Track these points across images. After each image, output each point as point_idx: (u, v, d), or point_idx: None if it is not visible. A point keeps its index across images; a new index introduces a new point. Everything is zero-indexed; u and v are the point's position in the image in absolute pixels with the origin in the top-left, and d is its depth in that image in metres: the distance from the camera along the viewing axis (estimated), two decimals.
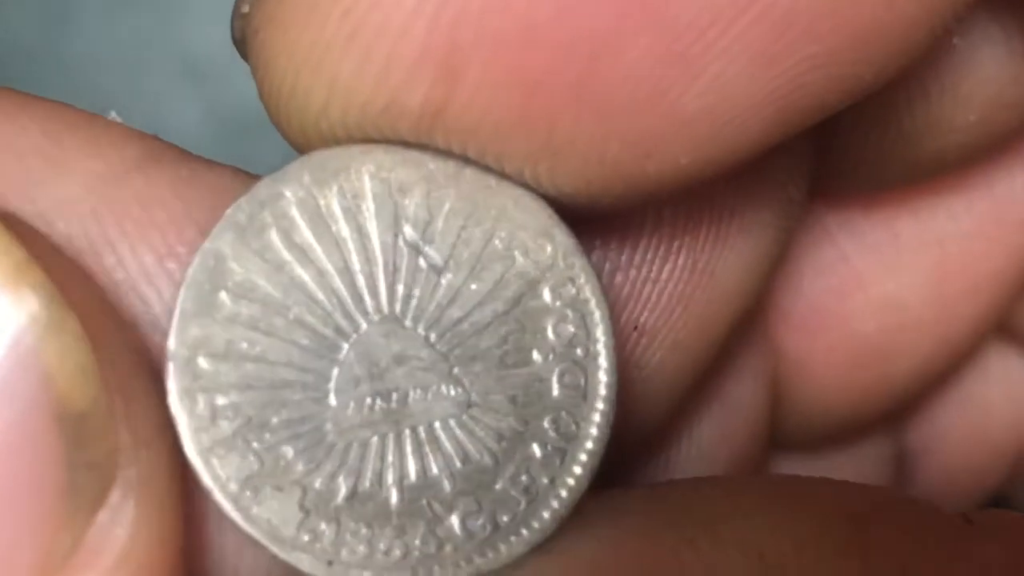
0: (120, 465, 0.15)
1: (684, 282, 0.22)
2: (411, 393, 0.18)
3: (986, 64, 0.23)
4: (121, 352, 0.16)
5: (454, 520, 0.18)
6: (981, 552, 0.17)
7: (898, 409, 0.29)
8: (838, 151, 0.24)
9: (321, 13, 0.16)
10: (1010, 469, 0.30)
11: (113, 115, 0.19)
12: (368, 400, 0.18)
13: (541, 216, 0.18)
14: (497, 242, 0.18)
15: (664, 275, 0.21)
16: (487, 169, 0.18)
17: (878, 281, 0.27)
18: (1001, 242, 0.26)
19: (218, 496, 0.17)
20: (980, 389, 0.30)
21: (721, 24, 0.16)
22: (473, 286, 0.18)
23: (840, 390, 0.27)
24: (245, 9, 0.18)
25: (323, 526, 0.17)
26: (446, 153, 0.18)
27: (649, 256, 0.21)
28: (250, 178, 0.18)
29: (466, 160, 0.18)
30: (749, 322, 0.25)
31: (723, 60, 0.16)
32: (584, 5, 0.15)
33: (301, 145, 0.18)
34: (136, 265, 0.17)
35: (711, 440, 0.26)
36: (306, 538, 0.17)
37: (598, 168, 0.17)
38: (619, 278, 0.21)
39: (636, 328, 0.21)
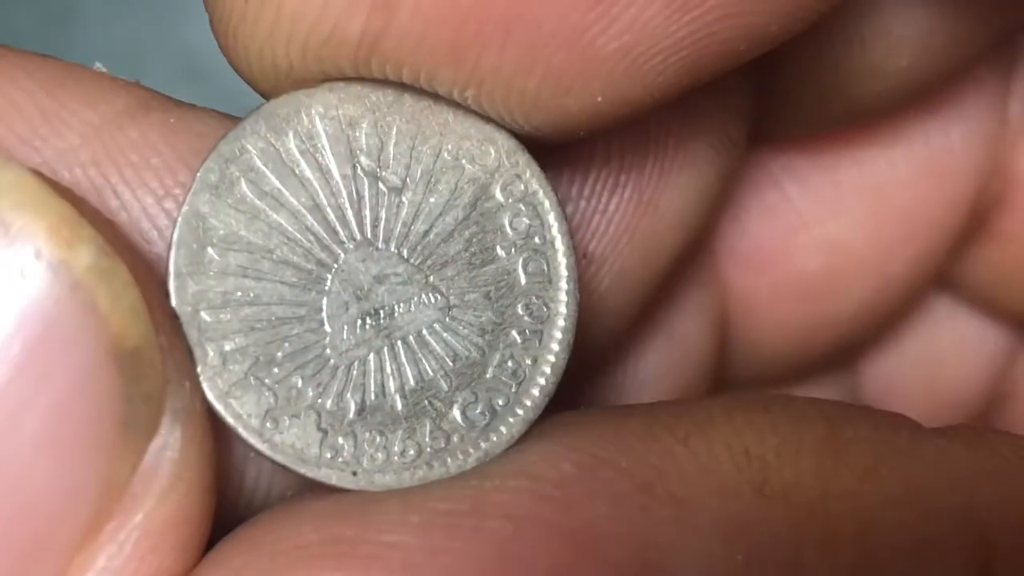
0: (167, 396, 0.17)
1: (630, 213, 0.23)
2: (396, 307, 0.19)
3: (916, 11, 0.24)
4: (155, 293, 0.17)
5: (456, 413, 0.19)
6: (945, 451, 0.18)
7: (844, 348, 0.30)
8: (778, 93, 0.25)
9: None
10: (962, 422, 0.30)
11: (98, 65, 0.20)
12: (359, 321, 0.19)
13: (480, 123, 0.19)
14: (446, 154, 0.19)
15: (612, 207, 0.22)
16: (424, 92, 0.19)
17: (819, 223, 0.27)
18: (937, 191, 0.27)
19: (242, 432, 0.18)
20: (930, 343, 0.30)
21: None
22: (432, 199, 0.19)
23: (785, 325, 0.28)
24: None
25: (341, 441, 0.19)
26: (385, 83, 0.19)
27: (598, 188, 0.22)
28: (231, 120, 0.19)
29: (404, 87, 0.19)
30: (694, 259, 0.26)
31: (639, 4, 0.17)
32: None
33: (251, 78, 0.19)
34: (138, 206, 0.19)
35: (656, 370, 0.27)
36: (329, 455, 0.19)
37: (520, 99, 0.18)
38: (569, 208, 0.22)
39: (585, 255, 0.22)
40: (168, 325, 0.17)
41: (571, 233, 0.20)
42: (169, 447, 0.17)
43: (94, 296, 0.16)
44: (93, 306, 0.16)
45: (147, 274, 0.17)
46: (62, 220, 0.16)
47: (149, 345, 0.16)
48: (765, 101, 0.25)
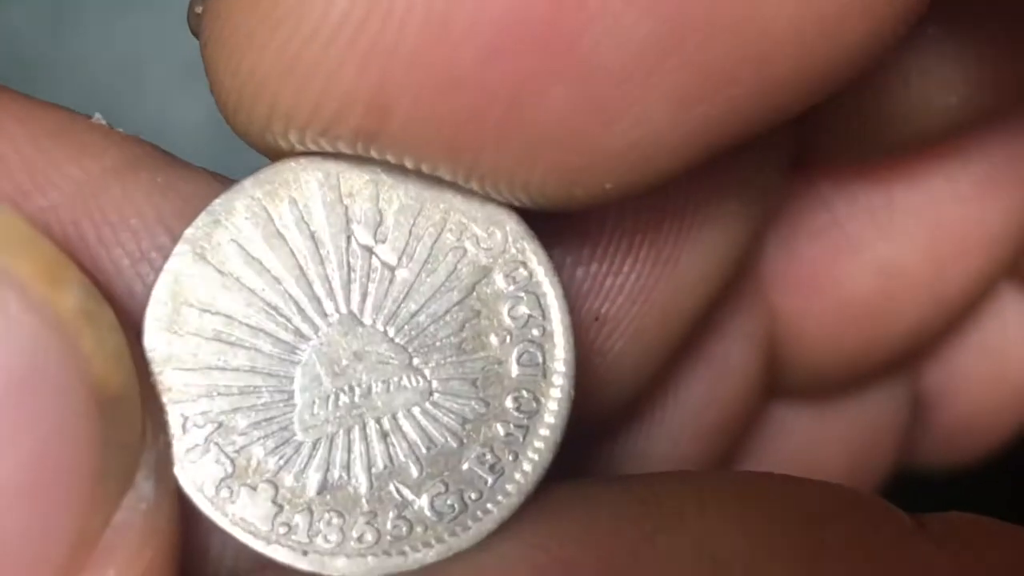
0: (144, 447, 0.16)
1: (647, 274, 0.22)
2: (373, 387, 0.18)
3: (963, 49, 0.23)
4: (135, 342, 0.17)
5: (423, 502, 0.18)
6: (928, 561, 0.17)
7: (898, 363, 0.29)
8: (822, 131, 0.25)
9: (259, 43, 0.17)
10: None
11: (97, 117, 0.19)
12: (332, 397, 0.18)
13: (489, 205, 0.19)
14: (448, 234, 0.19)
15: (626, 267, 0.22)
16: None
17: (871, 245, 0.27)
18: (997, 203, 0.27)
19: (195, 498, 0.18)
20: (996, 333, 0.30)
21: (639, 75, 0.16)
22: (427, 279, 0.19)
23: (838, 347, 0.28)
24: (198, 9, 0.18)
25: (296, 519, 0.18)
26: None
27: (611, 249, 0.22)
28: (222, 182, 0.19)
29: None
30: (740, 286, 0.26)
31: (641, 106, 0.17)
32: (505, 55, 0.16)
33: (254, 147, 0.19)
34: (112, 268, 0.19)
35: (699, 402, 0.26)
36: (281, 531, 0.18)
37: (524, 189, 0.18)
38: (580, 272, 0.22)
39: (597, 318, 0.22)
40: (146, 375, 0.17)
41: (573, 328, 0.19)
42: (143, 500, 0.16)
43: (78, 338, 0.15)
44: (76, 348, 0.15)
45: (127, 322, 0.17)
46: (49, 260, 0.16)
47: (130, 392, 0.16)
48: (809, 136, 0.24)
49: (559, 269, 0.19)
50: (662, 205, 0.22)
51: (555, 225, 0.20)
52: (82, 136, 0.19)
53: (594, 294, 0.22)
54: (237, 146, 0.18)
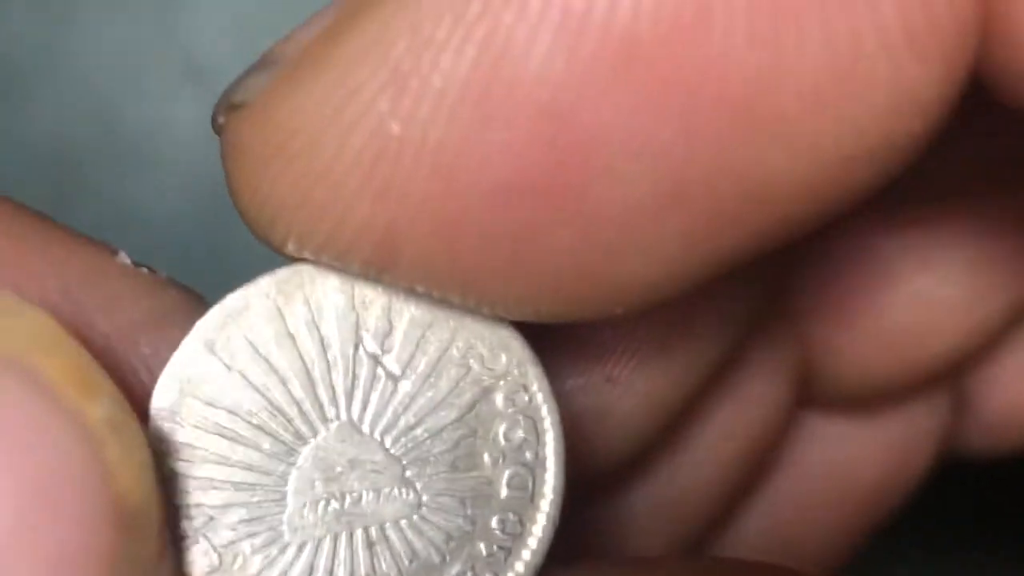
0: (161, 565, 0.16)
1: (661, 338, 0.23)
2: (364, 495, 0.19)
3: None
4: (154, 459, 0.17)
5: None
6: None
7: (938, 380, 0.29)
8: None
9: (273, 174, 0.18)
10: None
11: (122, 256, 0.20)
12: (323, 502, 0.19)
13: (499, 328, 0.19)
14: (454, 351, 0.19)
15: (641, 330, 0.23)
16: None
17: (910, 277, 0.27)
18: None
19: None
20: None
21: (644, 222, 0.17)
22: (429, 393, 0.19)
23: (873, 375, 0.28)
24: (220, 120, 0.19)
25: None
26: None
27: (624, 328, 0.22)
28: None
29: None
30: (769, 319, 0.26)
31: (647, 247, 0.17)
32: (509, 203, 0.17)
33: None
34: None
35: (722, 433, 0.26)
36: None
37: (535, 315, 0.19)
38: (596, 333, 0.22)
39: (609, 379, 0.23)
40: (168, 491, 0.18)
41: (565, 454, 0.19)
42: None
43: (104, 448, 0.15)
44: (102, 459, 0.15)
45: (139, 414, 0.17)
46: (80, 366, 0.16)
47: (151, 508, 0.16)
48: None
49: (552, 383, 0.20)
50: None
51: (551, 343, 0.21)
52: (112, 285, 0.19)
53: (607, 355, 0.22)
54: None
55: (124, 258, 0.20)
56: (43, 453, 0.15)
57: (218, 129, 0.19)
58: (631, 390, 0.23)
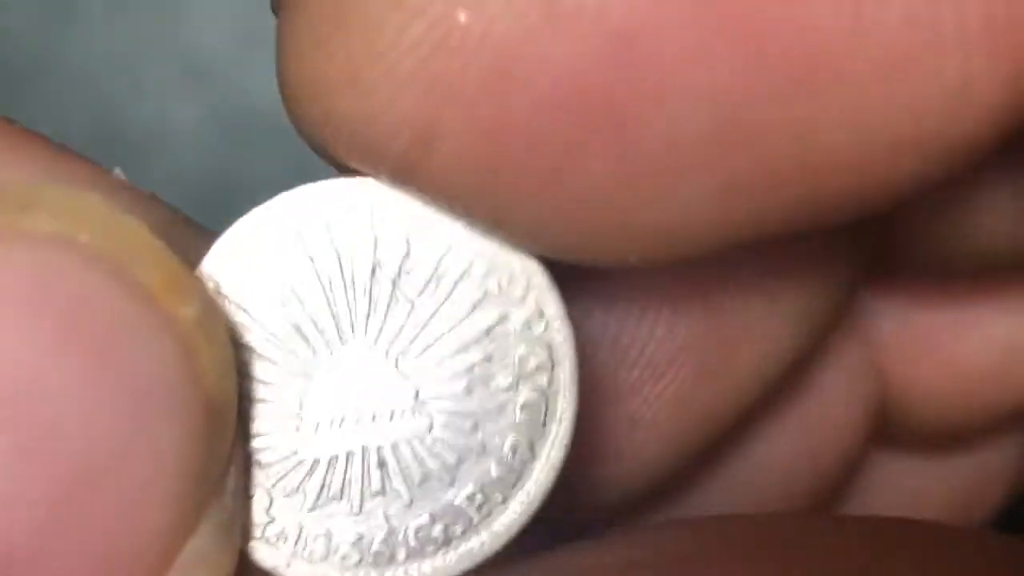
0: (232, 457, 0.17)
1: (689, 383, 0.22)
2: (376, 415, 0.19)
3: None
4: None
5: (409, 530, 0.19)
6: None
7: (1014, 423, 0.29)
8: (889, 249, 0.25)
9: (326, 49, 0.17)
10: None
11: (117, 172, 0.20)
12: (336, 420, 0.19)
13: (518, 256, 0.19)
14: (472, 276, 0.19)
15: (668, 375, 0.22)
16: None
17: (991, 320, 0.27)
18: None
19: None
20: None
21: (685, 167, 0.17)
22: (445, 316, 0.19)
23: (949, 415, 0.28)
24: None
25: (286, 528, 0.19)
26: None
27: (656, 358, 0.22)
28: None
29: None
30: (845, 350, 0.26)
31: (681, 195, 0.17)
32: (556, 114, 0.17)
33: (307, 143, 0.19)
34: None
35: (791, 461, 0.26)
36: (272, 538, 0.19)
37: (550, 247, 0.18)
38: (623, 374, 0.22)
39: (632, 420, 0.22)
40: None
41: (582, 382, 0.19)
42: (226, 509, 0.17)
43: (196, 350, 0.16)
44: (195, 361, 0.16)
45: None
46: (174, 271, 0.16)
47: (231, 405, 0.17)
48: (875, 254, 0.25)
49: (582, 323, 0.20)
50: (707, 317, 0.22)
51: (584, 281, 0.20)
52: (116, 196, 0.19)
53: (633, 396, 0.22)
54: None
55: (120, 174, 0.19)
56: (140, 354, 0.15)
57: (275, 6, 0.19)
58: (654, 434, 0.22)
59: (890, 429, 0.28)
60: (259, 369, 0.18)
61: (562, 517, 0.20)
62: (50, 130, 0.19)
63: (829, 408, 0.26)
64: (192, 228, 0.20)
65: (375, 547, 0.19)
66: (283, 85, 0.18)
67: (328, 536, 0.19)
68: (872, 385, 0.27)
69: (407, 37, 0.17)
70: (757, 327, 0.23)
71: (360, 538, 0.19)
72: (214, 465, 0.16)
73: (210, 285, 0.18)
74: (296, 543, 0.19)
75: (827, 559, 0.18)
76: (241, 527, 0.18)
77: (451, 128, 0.17)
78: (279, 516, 0.18)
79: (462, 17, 0.16)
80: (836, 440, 0.27)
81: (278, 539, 0.18)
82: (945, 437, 0.29)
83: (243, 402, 0.18)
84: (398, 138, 0.17)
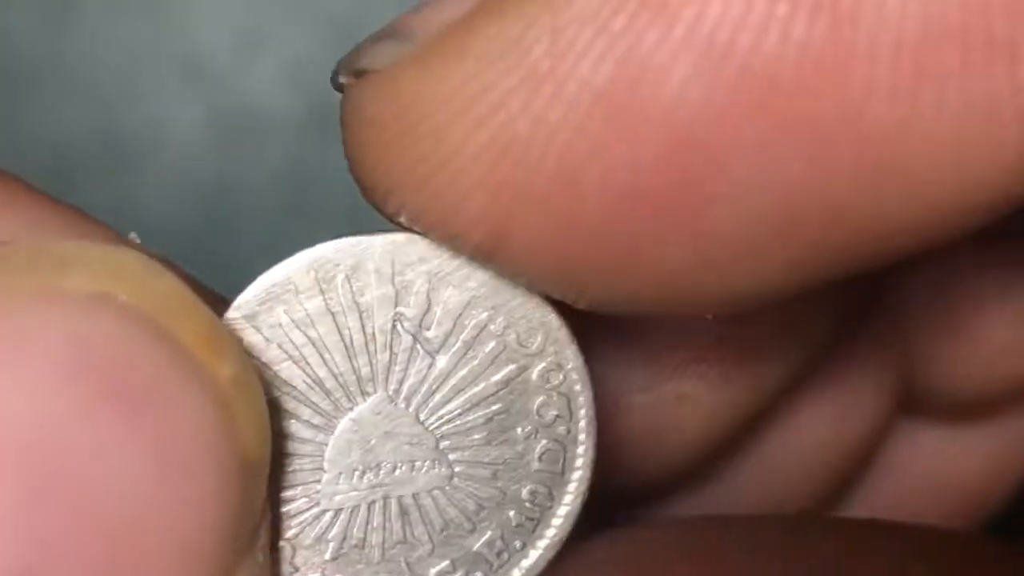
0: (265, 515, 0.17)
1: (731, 361, 0.23)
2: (398, 467, 0.19)
3: None
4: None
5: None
6: None
7: None
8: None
9: (395, 152, 0.18)
10: None
11: (133, 236, 0.20)
12: (358, 472, 0.19)
13: (537, 308, 0.19)
14: (492, 328, 0.19)
15: (711, 356, 0.23)
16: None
17: (1016, 294, 0.27)
18: None
19: None
20: None
21: (755, 248, 0.17)
22: (465, 369, 0.19)
23: (973, 386, 0.28)
24: (342, 79, 0.19)
25: None
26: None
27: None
28: None
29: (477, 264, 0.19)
30: (874, 327, 0.26)
31: (750, 270, 0.17)
32: (626, 215, 0.17)
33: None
34: None
35: (819, 438, 0.27)
36: None
37: (621, 312, 0.19)
38: (663, 356, 0.23)
39: (678, 397, 0.23)
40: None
41: (597, 435, 0.20)
42: (258, 565, 0.17)
43: (232, 407, 0.16)
44: (231, 417, 0.16)
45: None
46: (209, 328, 0.16)
47: (265, 462, 0.17)
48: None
49: (601, 362, 0.20)
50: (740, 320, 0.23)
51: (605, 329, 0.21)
52: None
53: (678, 376, 0.23)
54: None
55: (135, 238, 0.20)
56: (178, 414, 0.15)
57: (339, 88, 0.19)
58: (698, 409, 0.23)
59: (918, 401, 0.28)
60: (281, 424, 0.19)
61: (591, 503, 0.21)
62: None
63: (855, 382, 0.26)
64: (204, 290, 0.20)
65: None
66: (353, 171, 0.18)
67: None
68: (899, 360, 0.27)
69: (471, 145, 0.17)
70: (794, 314, 0.23)
71: None
72: (248, 521, 0.16)
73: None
74: None
75: (823, 559, 0.19)
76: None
77: (523, 225, 0.17)
78: (302, 566, 0.19)
79: (523, 128, 0.17)
80: (862, 416, 0.27)
81: None
82: (971, 408, 0.29)
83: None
84: (472, 234, 0.18)
